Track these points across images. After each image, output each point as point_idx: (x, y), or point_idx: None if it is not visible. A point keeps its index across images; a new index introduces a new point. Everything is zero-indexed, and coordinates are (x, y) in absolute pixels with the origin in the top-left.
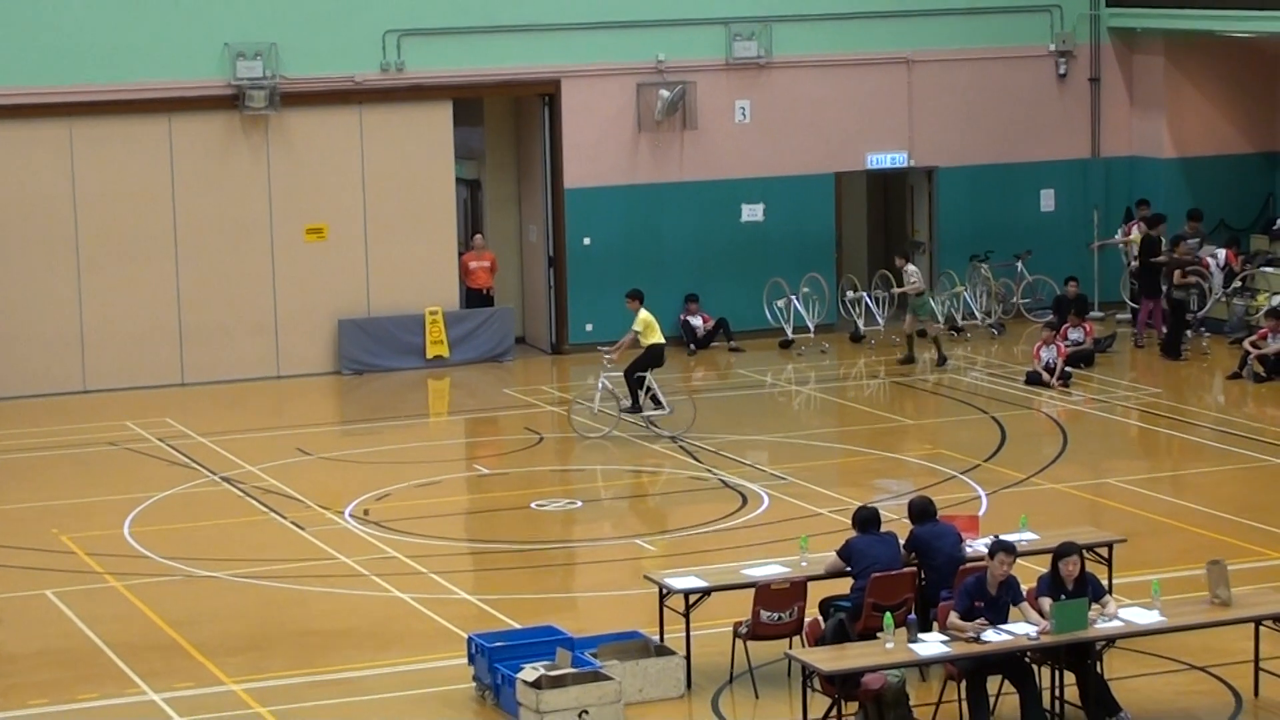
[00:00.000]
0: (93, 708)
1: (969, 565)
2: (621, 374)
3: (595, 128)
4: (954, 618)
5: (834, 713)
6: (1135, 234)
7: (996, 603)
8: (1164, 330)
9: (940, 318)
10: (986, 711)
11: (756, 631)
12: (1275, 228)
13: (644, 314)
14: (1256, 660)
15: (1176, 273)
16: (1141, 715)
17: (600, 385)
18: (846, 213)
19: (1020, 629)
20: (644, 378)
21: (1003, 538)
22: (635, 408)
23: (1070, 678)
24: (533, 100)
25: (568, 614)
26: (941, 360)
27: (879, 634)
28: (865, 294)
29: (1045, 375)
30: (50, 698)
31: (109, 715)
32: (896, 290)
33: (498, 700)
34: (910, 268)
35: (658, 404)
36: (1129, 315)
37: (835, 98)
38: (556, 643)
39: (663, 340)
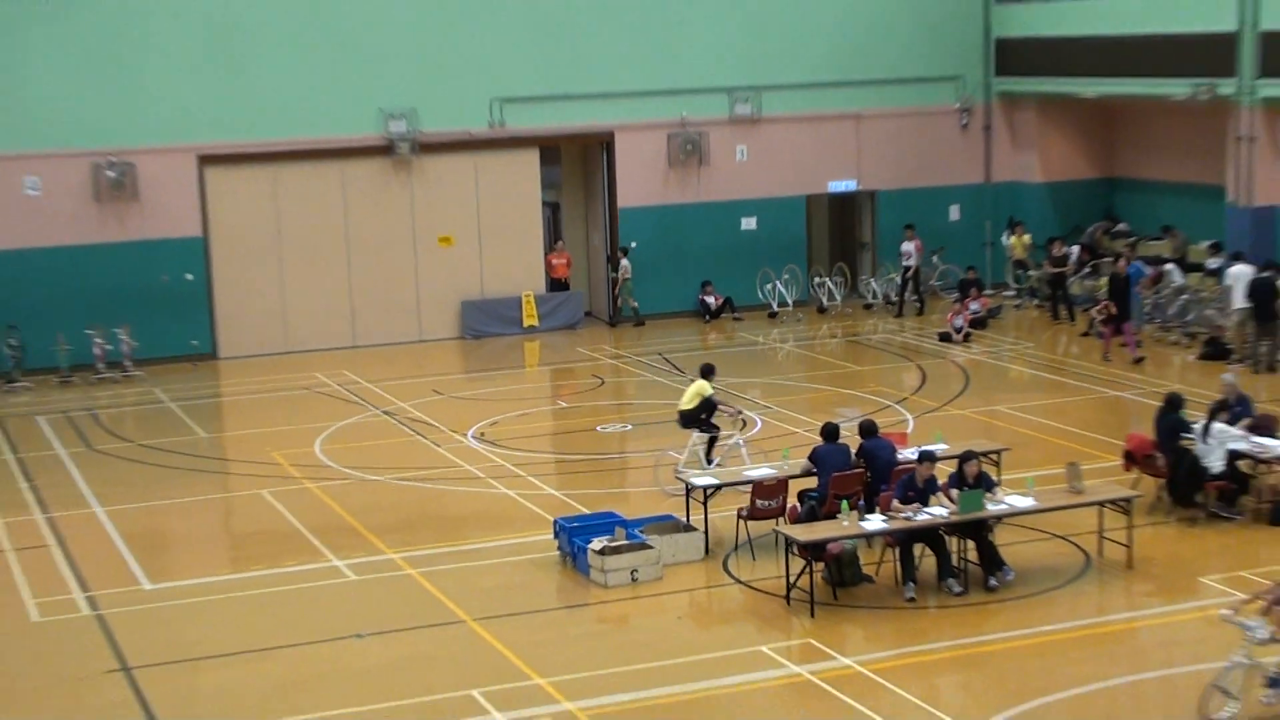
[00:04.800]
0: (295, 571)
1: (901, 467)
2: None
3: (639, 164)
4: (895, 503)
5: (807, 570)
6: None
7: (923, 493)
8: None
9: (634, 300)
10: (913, 568)
11: (753, 514)
12: (1114, 230)
13: None
14: (1100, 532)
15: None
16: (1022, 570)
17: None
18: (814, 222)
19: (937, 511)
20: None
21: (926, 448)
22: None
23: (970, 545)
24: (595, 146)
25: (622, 504)
26: (639, 323)
27: (838, 515)
28: (827, 279)
29: (954, 334)
30: (266, 564)
31: (306, 576)
32: (615, 276)
33: (575, 563)
34: (624, 262)
35: None
36: (1012, 294)
37: (806, 142)
38: (614, 523)
39: None
